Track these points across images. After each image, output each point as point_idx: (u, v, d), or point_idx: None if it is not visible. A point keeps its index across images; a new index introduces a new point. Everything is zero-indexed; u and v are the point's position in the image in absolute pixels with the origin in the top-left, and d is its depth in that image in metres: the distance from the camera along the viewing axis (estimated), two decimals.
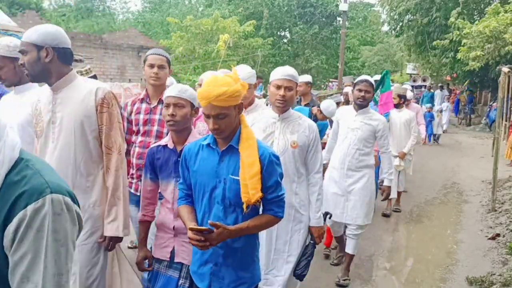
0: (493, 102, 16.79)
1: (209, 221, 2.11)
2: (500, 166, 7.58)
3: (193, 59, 19.95)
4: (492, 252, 5.35)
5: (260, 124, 3.13)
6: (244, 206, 2.17)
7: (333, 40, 29.32)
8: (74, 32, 21.82)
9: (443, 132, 15.88)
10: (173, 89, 2.63)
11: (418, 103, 16.61)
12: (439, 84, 22.59)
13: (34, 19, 17.39)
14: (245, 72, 3.47)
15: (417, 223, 6.61)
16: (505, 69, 7.21)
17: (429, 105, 15.36)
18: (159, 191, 2.75)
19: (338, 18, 28.92)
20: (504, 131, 9.29)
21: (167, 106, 2.58)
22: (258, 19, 25.54)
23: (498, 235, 5.85)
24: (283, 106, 3.03)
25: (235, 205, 2.22)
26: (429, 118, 14.11)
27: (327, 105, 5.48)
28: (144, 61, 3.44)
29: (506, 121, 8.79)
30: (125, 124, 3.38)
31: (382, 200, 4.56)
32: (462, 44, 13.79)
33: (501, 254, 5.24)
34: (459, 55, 14.13)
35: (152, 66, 3.35)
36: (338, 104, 7.26)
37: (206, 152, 2.30)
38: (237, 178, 2.19)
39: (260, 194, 2.15)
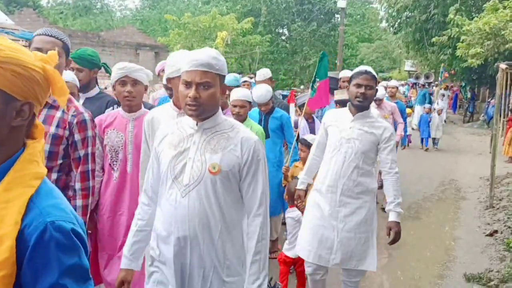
0: (491, 99, 16.79)
1: None
2: (498, 163, 7.58)
3: None
4: (490, 249, 5.35)
5: (174, 137, 2.07)
6: None
7: (331, 37, 29.29)
8: (72, 29, 21.77)
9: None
10: None
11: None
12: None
13: (32, 17, 17.34)
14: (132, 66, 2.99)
15: (415, 219, 6.61)
16: (502, 65, 7.20)
17: (428, 105, 14.06)
18: None
19: (336, 15, 28.92)
20: (502, 127, 9.31)
21: None
22: (256, 16, 25.49)
23: (496, 231, 5.86)
24: (199, 113, 1.96)
25: None
26: (427, 121, 12.81)
27: (255, 89, 4.83)
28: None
29: (504, 117, 8.81)
30: None
31: (389, 244, 3.30)
32: (461, 41, 13.78)
33: (498, 250, 5.25)
34: (458, 52, 14.10)
35: (39, 51, 2.11)
36: (302, 106, 5.59)
37: None
38: None
39: None
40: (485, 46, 12.97)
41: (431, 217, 6.78)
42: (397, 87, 8.67)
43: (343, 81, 7.09)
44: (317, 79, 4.98)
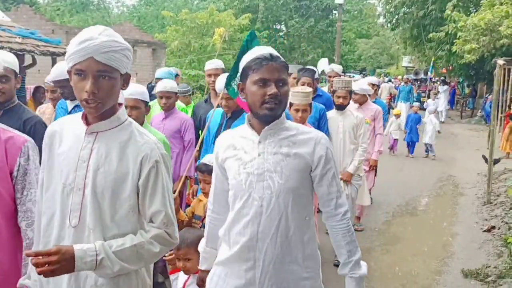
0: (489, 95, 16.81)
1: None
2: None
3: (188, 53, 19.91)
4: (487, 245, 5.37)
5: None
6: None
7: (329, 33, 29.31)
8: (69, 26, 21.68)
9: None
10: None
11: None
12: (441, 78, 22.19)
13: (28, 14, 17.23)
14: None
15: (412, 215, 6.63)
16: (500, 61, 7.23)
17: (417, 103, 12.52)
18: None
19: (334, 11, 28.93)
20: (500, 123, 9.32)
21: None
22: (254, 12, 25.49)
23: (493, 227, 5.87)
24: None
25: None
26: (415, 122, 10.88)
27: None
28: None
29: (501, 113, 8.82)
30: None
31: None
32: (457, 37, 13.78)
33: (496, 246, 5.27)
34: (454, 48, 14.12)
35: None
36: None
37: None
38: None
39: None
40: (480, 42, 12.98)
41: (429, 213, 6.80)
42: (376, 85, 7.22)
43: (329, 76, 6.76)
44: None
